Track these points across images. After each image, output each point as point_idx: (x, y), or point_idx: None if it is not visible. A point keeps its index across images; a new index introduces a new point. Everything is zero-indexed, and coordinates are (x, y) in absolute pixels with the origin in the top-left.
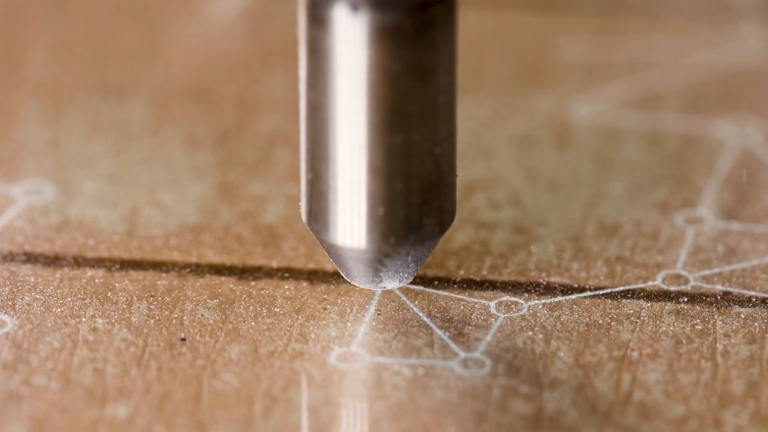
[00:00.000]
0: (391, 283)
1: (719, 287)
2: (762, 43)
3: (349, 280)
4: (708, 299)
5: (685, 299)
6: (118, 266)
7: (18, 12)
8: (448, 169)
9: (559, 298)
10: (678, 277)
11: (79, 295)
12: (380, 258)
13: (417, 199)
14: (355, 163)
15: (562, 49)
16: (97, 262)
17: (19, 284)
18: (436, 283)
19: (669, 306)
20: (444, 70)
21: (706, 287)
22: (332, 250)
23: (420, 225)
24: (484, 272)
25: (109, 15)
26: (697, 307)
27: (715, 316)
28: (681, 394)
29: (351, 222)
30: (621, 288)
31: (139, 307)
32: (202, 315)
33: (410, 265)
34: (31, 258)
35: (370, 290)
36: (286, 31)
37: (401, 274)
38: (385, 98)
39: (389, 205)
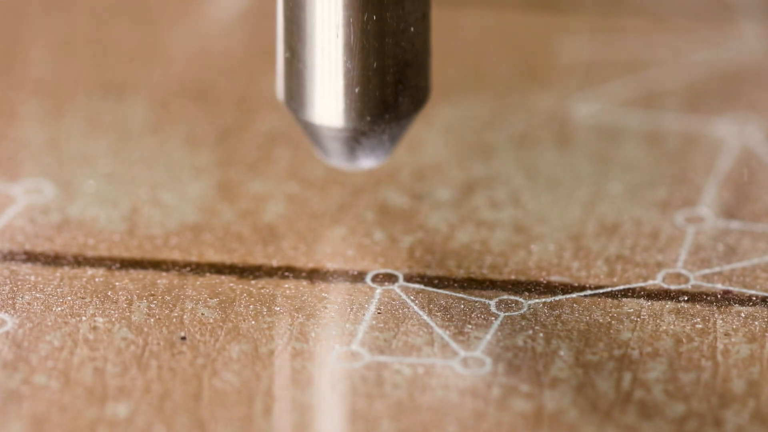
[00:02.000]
0: (368, 162)
1: (719, 286)
2: (762, 42)
3: (326, 159)
4: (708, 298)
5: (686, 298)
6: (118, 265)
7: (18, 12)
8: (423, 48)
9: (560, 297)
10: (678, 276)
11: (79, 294)
12: (357, 136)
13: (392, 77)
14: (331, 42)
15: (562, 48)
16: (98, 261)
17: (19, 283)
18: (436, 282)
19: (669, 305)
20: None
21: (707, 286)
22: (309, 129)
23: (395, 103)
24: (485, 271)
25: (109, 14)
26: (697, 306)
27: (716, 315)
28: (681, 393)
29: (328, 100)
30: (621, 287)
31: (139, 306)
32: (202, 314)
33: (386, 144)
34: (31, 257)
35: (370, 289)
36: None
37: (377, 152)
38: None
39: (365, 84)
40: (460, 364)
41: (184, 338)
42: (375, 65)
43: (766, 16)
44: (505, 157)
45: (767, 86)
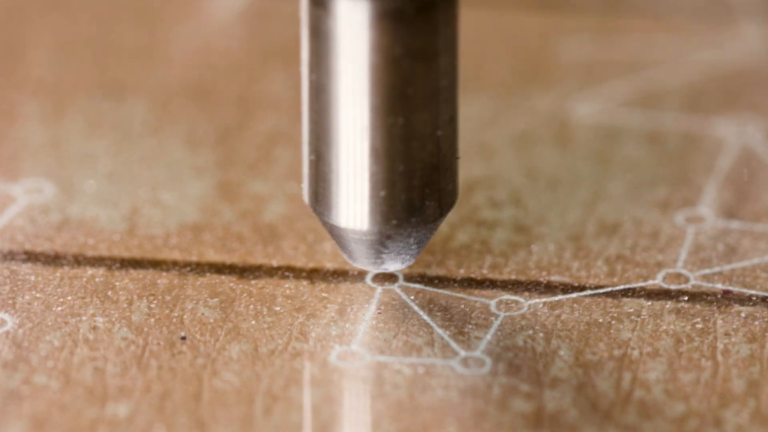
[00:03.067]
0: (393, 265)
1: (720, 286)
2: (762, 43)
3: (351, 262)
4: (708, 298)
5: (686, 298)
6: (118, 265)
7: (18, 12)
8: (450, 151)
9: (560, 296)
10: (678, 275)
11: (79, 294)
12: (382, 240)
13: (418, 181)
14: (357, 146)
15: (562, 48)
16: (98, 261)
17: (19, 283)
18: (436, 281)
19: (669, 305)
20: (445, 53)
21: (707, 286)
22: (334, 232)
23: (422, 207)
24: (485, 271)
25: (110, 14)
26: (697, 305)
27: (716, 315)
28: (681, 392)
29: (353, 204)
30: (621, 287)
31: (139, 306)
32: (202, 314)
33: (412, 247)
34: (31, 257)
35: (370, 289)
36: (287, 30)
37: (403, 255)
38: (386, 81)
39: (391, 187)
40: (461, 364)
41: (184, 338)
42: (401, 169)
43: (766, 17)
44: (505, 157)
45: (767, 86)
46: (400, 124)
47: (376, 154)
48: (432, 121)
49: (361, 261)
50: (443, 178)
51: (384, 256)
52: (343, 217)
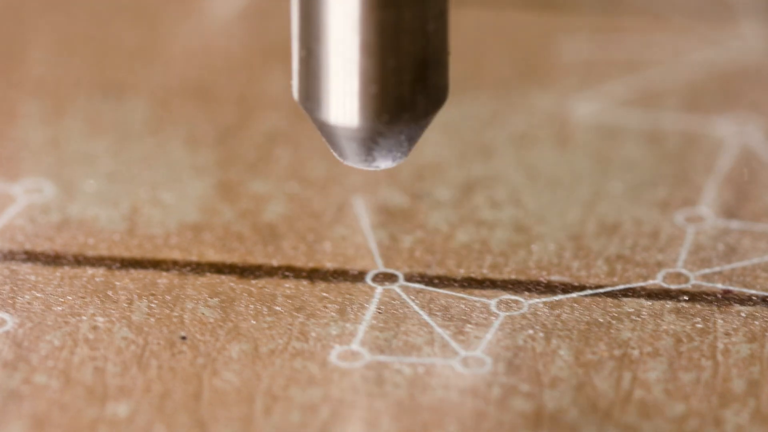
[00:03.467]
0: (385, 163)
1: (720, 286)
2: (762, 42)
3: (341, 160)
4: (708, 298)
5: (686, 298)
6: (118, 265)
7: (18, 11)
8: (441, 46)
9: (560, 296)
10: (678, 275)
11: (79, 294)
12: (373, 136)
13: (409, 76)
14: (347, 41)
15: (562, 47)
16: (98, 261)
17: (19, 283)
18: (436, 281)
19: (669, 304)
20: None
21: (707, 286)
22: (325, 129)
23: (413, 102)
24: (485, 271)
25: (110, 14)
26: (697, 305)
27: (716, 315)
28: (681, 392)
29: (344, 100)
30: (621, 286)
31: (139, 306)
32: (202, 313)
33: (403, 144)
34: (31, 257)
35: (370, 289)
36: (286, 29)
37: (394, 152)
38: None
39: (382, 83)
40: (461, 363)
41: (184, 338)
42: (392, 64)
43: (766, 16)
44: (505, 156)
45: (767, 86)
46: (391, 19)
47: (366, 48)
48: (422, 15)
49: (352, 158)
50: (434, 73)
51: (375, 153)
52: (334, 114)
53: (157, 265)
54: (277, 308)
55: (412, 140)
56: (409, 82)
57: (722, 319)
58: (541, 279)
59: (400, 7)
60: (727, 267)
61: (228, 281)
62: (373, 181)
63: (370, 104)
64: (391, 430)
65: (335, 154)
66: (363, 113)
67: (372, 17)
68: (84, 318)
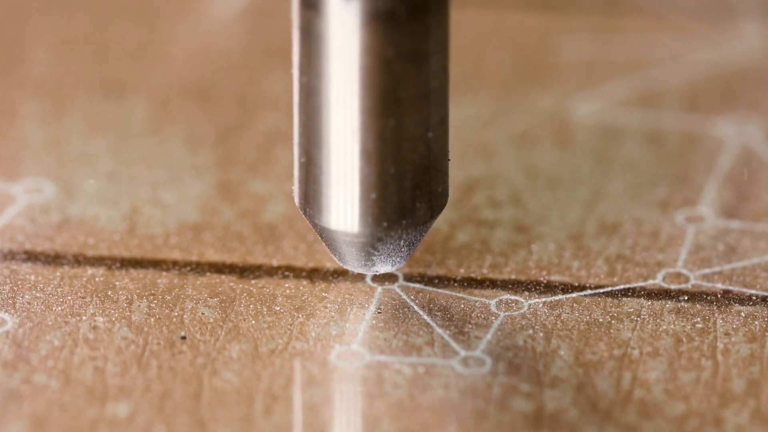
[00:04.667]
0: (384, 267)
1: (720, 286)
2: (762, 42)
3: (341, 264)
4: (708, 298)
5: (686, 298)
6: (118, 265)
7: (18, 11)
8: (441, 153)
9: (560, 296)
10: (678, 275)
11: (79, 294)
12: (373, 242)
13: (409, 183)
14: (347, 148)
15: (562, 47)
16: (98, 261)
17: (19, 283)
18: (436, 281)
19: (669, 304)
20: (436, 55)
21: (707, 286)
22: (325, 234)
23: (412, 209)
24: (485, 271)
25: (110, 13)
26: (697, 305)
27: (716, 315)
28: (681, 392)
29: (344, 206)
30: (621, 286)
31: (139, 306)
32: (202, 313)
33: (403, 249)
34: (31, 256)
35: (370, 289)
36: (286, 29)
37: (394, 257)
38: (377, 83)
39: (382, 190)
40: (461, 363)
41: (184, 338)
42: (392, 171)
43: (766, 16)
44: (505, 156)
45: (767, 86)
46: (392, 126)
47: (367, 156)
48: (423, 122)
49: (352, 263)
50: (434, 179)
51: (374, 258)
52: (334, 220)
53: (157, 265)
54: (277, 308)
55: (411, 246)
56: (410, 189)
57: (722, 319)
58: (541, 279)
59: (400, 116)
60: (727, 267)
61: (228, 281)
62: None
63: (370, 211)
64: (391, 430)
65: (335, 258)
66: (363, 220)
67: (372, 125)
68: (84, 318)
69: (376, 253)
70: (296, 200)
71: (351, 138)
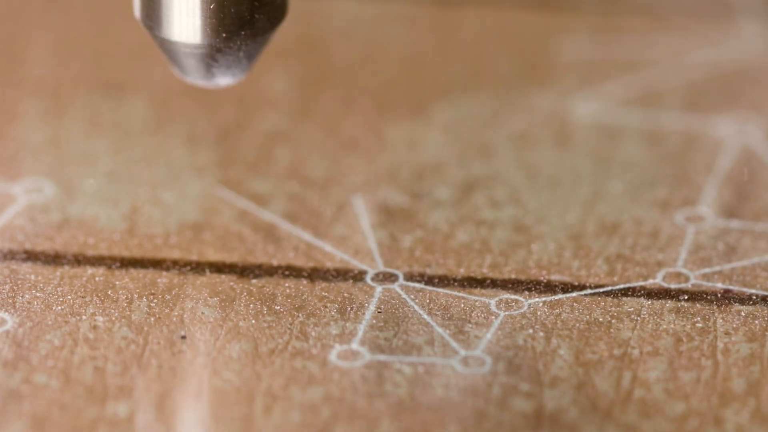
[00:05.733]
0: (224, 79)
1: (720, 285)
2: (762, 42)
3: (182, 77)
4: (708, 297)
5: (686, 297)
6: (118, 264)
7: (18, 11)
8: None
9: (560, 296)
10: (678, 275)
11: (79, 293)
12: (212, 53)
13: None
14: None
15: (562, 47)
16: (98, 260)
17: (19, 282)
18: (436, 281)
19: (669, 304)
20: None
21: (707, 285)
22: (165, 46)
23: (251, 20)
24: (485, 270)
25: (109, 13)
26: (697, 305)
27: (716, 314)
28: (681, 392)
29: (184, 17)
30: (621, 286)
31: (139, 305)
32: (202, 313)
33: (243, 61)
34: (31, 256)
35: (370, 288)
36: (286, 29)
37: (234, 70)
38: None
39: (220, 0)
40: (461, 363)
41: (184, 337)
42: None
43: (766, 16)
44: (505, 156)
45: (767, 86)
46: None
47: None
48: None
49: (192, 75)
50: None
51: (214, 69)
52: (175, 31)
53: (157, 264)
54: (277, 308)
55: (250, 57)
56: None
57: (722, 318)
58: (541, 278)
59: None
60: (727, 266)
61: (228, 281)
62: (373, 180)
63: (210, 21)
64: (391, 430)
65: (176, 71)
66: (202, 30)
67: None
68: (84, 317)
69: (216, 64)
70: (136, 13)
71: None
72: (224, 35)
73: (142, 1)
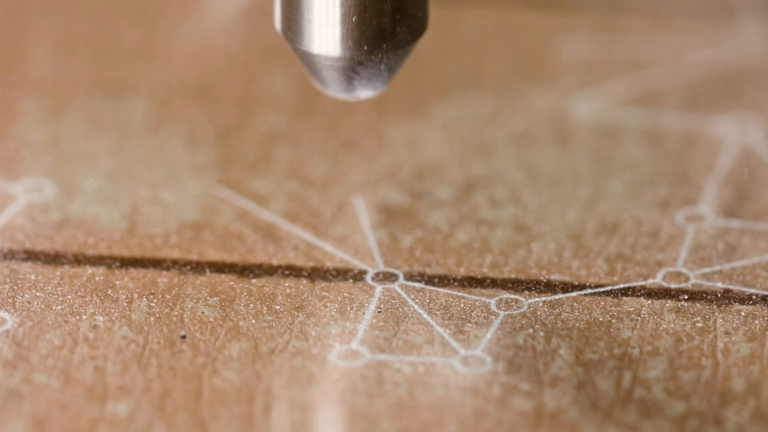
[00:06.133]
0: (365, 92)
1: (720, 285)
2: (762, 41)
3: (322, 89)
4: (708, 297)
5: (686, 297)
6: (118, 264)
7: (18, 10)
8: None
9: (560, 295)
10: (678, 274)
11: (79, 293)
12: (354, 66)
13: (390, 6)
14: None
15: (562, 47)
16: (98, 260)
17: (19, 282)
18: (436, 280)
19: (669, 304)
20: None
21: (707, 285)
22: (306, 59)
23: (393, 32)
24: (485, 270)
25: (110, 13)
26: (697, 304)
27: (716, 314)
28: (681, 391)
29: (325, 30)
30: (621, 286)
31: (139, 305)
32: (202, 312)
33: (383, 74)
34: (31, 256)
35: (370, 288)
36: None
37: (374, 82)
38: None
39: (363, 13)
40: (461, 362)
41: (184, 337)
42: None
43: (766, 15)
44: (506, 155)
45: (767, 86)
46: None
47: None
48: None
49: (333, 88)
50: (414, 4)
51: (355, 82)
52: (316, 43)
53: (157, 264)
54: (277, 307)
55: (391, 70)
56: (390, 12)
57: (722, 318)
58: (541, 278)
59: None
60: (727, 266)
61: (228, 280)
62: (373, 180)
63: (351, 34)
64: (391, 430)
65: (316, 84)
66: (344, 43)
67: None
68: (84, 317)
69: (357, 77)
70: (277, 25)
71: None
72: (366, 48)
73: (282, 13)
